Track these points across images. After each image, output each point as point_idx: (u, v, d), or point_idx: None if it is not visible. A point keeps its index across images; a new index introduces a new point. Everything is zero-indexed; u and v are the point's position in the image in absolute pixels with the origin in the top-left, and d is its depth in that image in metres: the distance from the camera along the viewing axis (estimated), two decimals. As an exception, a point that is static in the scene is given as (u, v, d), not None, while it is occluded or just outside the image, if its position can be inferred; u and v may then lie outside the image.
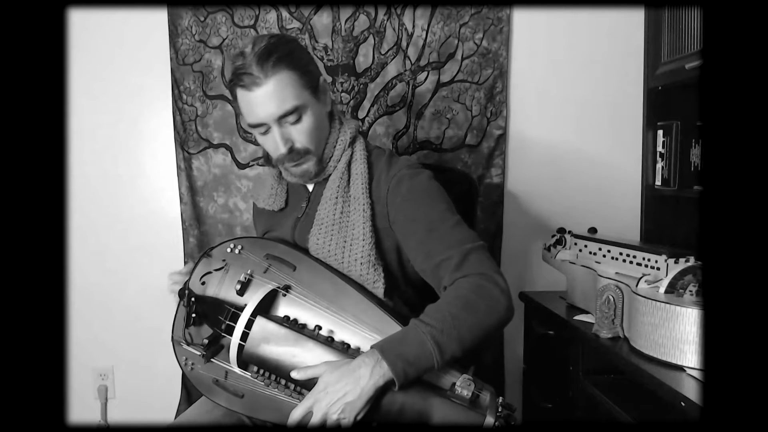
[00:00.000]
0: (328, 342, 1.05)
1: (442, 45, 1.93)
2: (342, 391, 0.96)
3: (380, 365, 0.97)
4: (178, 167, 1.94)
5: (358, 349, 1.06)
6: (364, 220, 1.15)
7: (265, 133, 1.15)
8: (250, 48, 1.10)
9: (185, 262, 1.95)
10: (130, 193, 1.98)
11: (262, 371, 1.06)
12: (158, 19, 1.88)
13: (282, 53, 1.10)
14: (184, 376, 1.96)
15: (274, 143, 1.15)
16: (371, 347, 1.00)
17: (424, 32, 1.92)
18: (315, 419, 0.98)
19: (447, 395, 1.01)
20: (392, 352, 0.98)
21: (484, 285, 1.04)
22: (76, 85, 1.91)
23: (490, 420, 0.98)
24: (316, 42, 1.90)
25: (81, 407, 2.02)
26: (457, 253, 1.08)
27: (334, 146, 1.21)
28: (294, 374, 1.02)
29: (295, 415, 1.00)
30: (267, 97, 1.10)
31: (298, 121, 1.14)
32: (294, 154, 1.16)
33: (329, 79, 1.91)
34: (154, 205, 1.99)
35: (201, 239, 1.96)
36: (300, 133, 1.15)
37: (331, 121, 1.22)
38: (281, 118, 1.12)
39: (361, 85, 1.93)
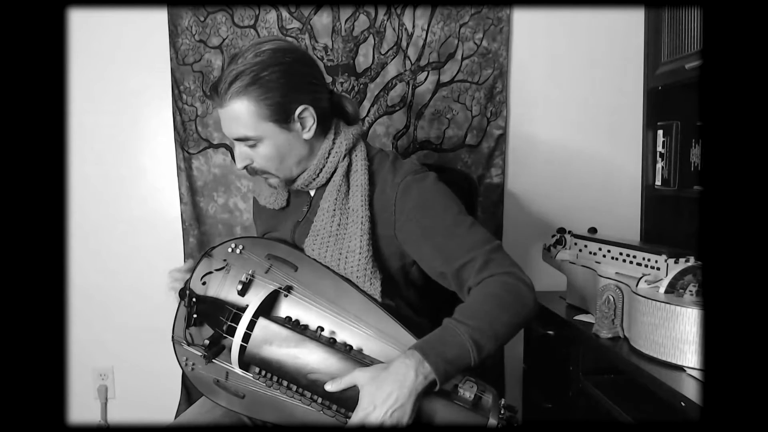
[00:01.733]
0: (330, 343, 1.05)
1: (442, 45, 1.93)
2: (391, 399, 0.95)
3: (423, 366, 0.96)
4: (178, 167, 1.94)
5: (360, 350, 1.06)
6: (362, 233, 1.13)
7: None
8: (234, 60, 1.10)
9: (185, 262, 1.94)
10: (130, 193, 1.98)
11: (263, 372, 1.06)
12: (158, 19, 1.88)
13: (250, 79, 1.08)
14: (184, 375, 1.96)
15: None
16: (410, 348, 0.99)
17: (424, 32, 1.92)
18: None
19: (450, 397, 1.01)
20: (433, 352, 0.98)
21: (512, 283, 1.06)
22: (76, 85, 1.91)
23: (492, 422, 0.98)
24: (316, 42, 1.91)
25: (81, 407, 2.02)
26: (480, 255, 1.08)
27: (326, 158, 1.18)
28: (328, 387, 1.00)
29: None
30: (224, 119, 1.13)
31: (254, 146, 1.14)
32: (251, 171, 1.18)
33: (329, 79, 1.91)
34: (154, 205, 1.99)
35: (201, 239, 1.96)
36: (257, 156, 1.15)
37: (324, 133, 1.18)
38: (237, 140, 1.15)
39: (361, 85, 1.93)
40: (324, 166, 1.18)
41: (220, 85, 1.10)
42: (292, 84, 1.12)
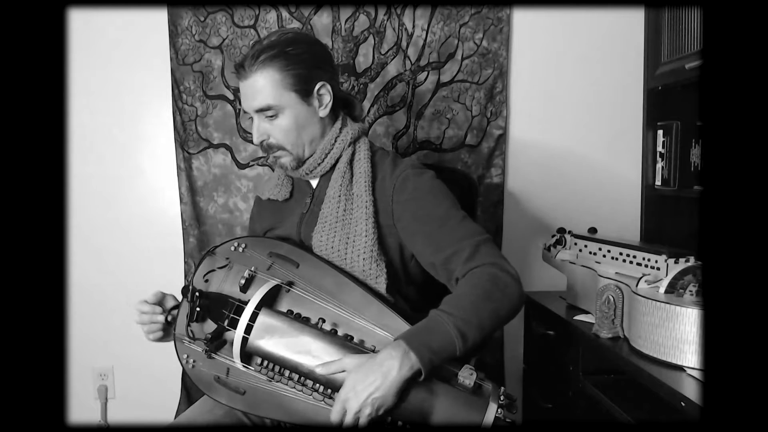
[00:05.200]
0: (332, 334, 1.07)
1: (442, 45, 1.93)
2: (372, 387, 0.97)
3: (408, 357, 0.98)
4: (178, 167, 1.94)
5: (362, 342, 1.08)
6: (367, 217, 1.18)
7: (251, 120, 1.22)
8: (260, 42, 1.19)
9: (185, 262, 1.95)
10: (129, 194, 1.98)
11: (265, 363, 1.07)
12: (158, 19, 1.88)
13: (276, 52, 1.16)
14: (184, 376, 1.96)
15: (253, 132, 1.22)
16: (395, 339, 1.02)
17: (424, 32, 1.92)
18: (348, 419, 0.98)
19: (451, 383, 1.02)
20: (418, 342, 1.00)
21: (498, 274, 1.08)
22: (76, 85, 1.91)
23: (493, 406, 0.99)
24: (316, 42, 1.91)
25: (81, 407, 2.02)
26: (468, 245, 1.11)
27: (332, 143, 1.24)
28: (319, 370, 1.03)
29: (333, 419, 1.00)
30: (249, 90, 1.18)
31: (274, 117, 1.19)
32: (267, 147, 1.22)
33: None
34: (154, 205, 1.99)
35: (201, 239, 1.96)
36: (275, 129, 1.20)
37: (333, 121, 1.26)
38: (258, 112, 1.19)
39: (361, 85, 1.93)
40: (330, 152, 1.24)
41: (246, 60, 1.17)
42: (315, 60, 1.21)
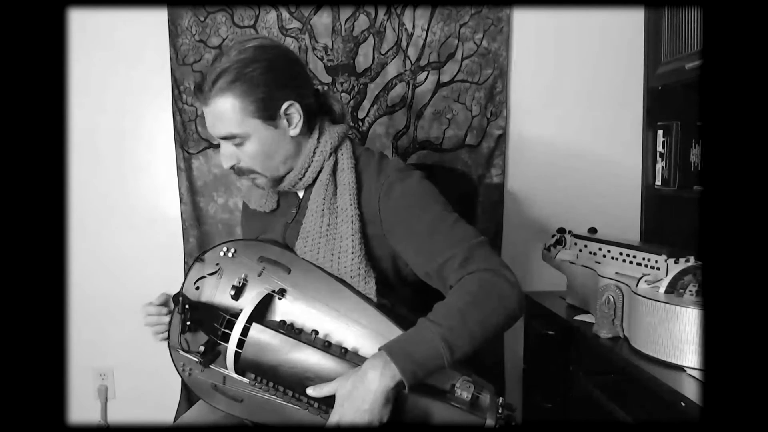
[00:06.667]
0: (325, 347, 1.04)
1: (442, 45, 1.93)
2: (358, 401, 0.95)
3: (389, 367, 0.95)
4: (178, 167, 1.94)
5: (356, 352, 1.06)
6: (353, 233, 1.11)
7: (219, 145, 1.17)
8: (218, 59, 1.10)
9: (185, 262, 1.95)
10: (130, 194, 1.98)
11: (259, 378, 1.05)
12: (158, 19, 1.88)
13: (234, 76, 1.07)
14: (184, 376, 1.96)
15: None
16: (379, 349, 0.99)
17: (424, 32, 1.92)
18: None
19: (447, 398, 1.00)
20: (400, 353, 0.97)
21: (492, 280, 1.02)
22: (76, 85, 1.91)
23: (490, 423, 0.97)
24: (316, 42, 1.91)
25: (81, 407, 2.02)
26: (460, 251, 1.05)
27: (311, 157, 1.17)
28: (310, 391, 1.00)
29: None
30: (210, 117, 1.11)
31: (241, 144, 1.12)
32: (238, 171, 1.16)
33: (329, 79, 1.91)
34: (154, 205, 1.99)
35: (201, 239, 1.96)
36: (244, 155, 1.13)
37: (309, 132, 1.18)
38: (223, 139, 1.13)
39: (361, 85, 1.93)
40: (310, 166, 1.17)
41: (204, 83, 1.09)
42: (277, 80, 1.11)
